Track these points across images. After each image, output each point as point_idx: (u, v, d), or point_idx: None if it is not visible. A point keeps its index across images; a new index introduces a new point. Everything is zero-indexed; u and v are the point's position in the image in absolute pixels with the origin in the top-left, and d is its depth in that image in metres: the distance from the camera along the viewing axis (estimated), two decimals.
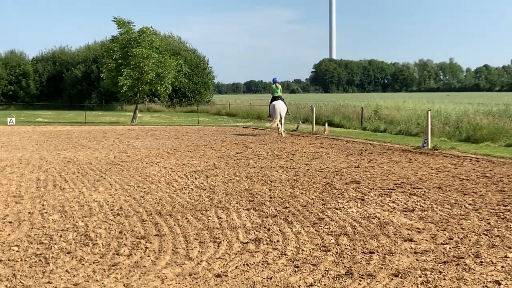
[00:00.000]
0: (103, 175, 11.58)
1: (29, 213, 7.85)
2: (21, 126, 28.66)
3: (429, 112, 17.18)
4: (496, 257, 5.68)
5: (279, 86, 23.79)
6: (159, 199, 8.87)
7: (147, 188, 9.93)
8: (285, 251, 5.91)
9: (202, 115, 43.26)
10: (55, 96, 66.18)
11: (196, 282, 4.99)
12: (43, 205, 8.39)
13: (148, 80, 33.27)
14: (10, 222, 7.26)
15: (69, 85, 64.17)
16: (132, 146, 18.23)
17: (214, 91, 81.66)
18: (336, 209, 8.05)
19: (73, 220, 7.40)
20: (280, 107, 22.89)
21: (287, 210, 8.01)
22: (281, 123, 22.93)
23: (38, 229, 6.95)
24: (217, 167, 12.73)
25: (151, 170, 12.26)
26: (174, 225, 7.14)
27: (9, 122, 29.84)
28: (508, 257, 5.68)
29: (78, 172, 11.93)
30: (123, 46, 33.20)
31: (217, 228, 6.98)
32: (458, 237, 6.49)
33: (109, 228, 6.99)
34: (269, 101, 24.12)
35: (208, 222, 7.30)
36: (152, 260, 5.62)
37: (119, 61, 33.29)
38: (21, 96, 65.40)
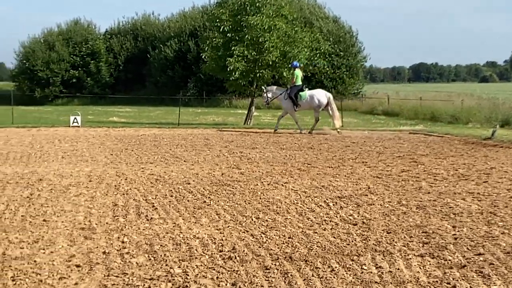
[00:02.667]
0: (207, 200, 11.90)
1: (103, 253, 8.26)
2: (89, 128, 30.20)
3: None
4: None
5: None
6: (289, 237, 8.98)
7: (270, 221, 10.08)
8: None
9: (348, 113, 43.27)
10: (136, 86, 68.66)
11: None
12: (123, 242, 8.80)
13: (270, 63, 33.72)
14: (78, 266, 7.67)
15: (156, 69, 66.41)
16: (246, 158, 18.63)
17: (366, 79, 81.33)
18: None
19: (166, 265, 7.69)
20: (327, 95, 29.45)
21: (481, 258, 7.84)
22: (332, 117, 28.88)
23: (116, 276, 7.29)
24: (373, 192, 12.66)
25: (276, 195, 12.42)
26: (312, 276, 7.20)
27: (73, 122, 31.39)
28: None
29: (171, 196, 12.36)
30: (235, 13, 33.91)
31: (376, 282, 6.96)
32: None
33: (217, 278, 7.19)
34: (286, 92, 29.27)
35: (362, 273, 7.29)
36: None
37: (228, 34, 34.03)
38: (88, 85, 68.25)
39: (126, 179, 14.46)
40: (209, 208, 11.13)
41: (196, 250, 8.37)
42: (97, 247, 8.53)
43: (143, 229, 9.54)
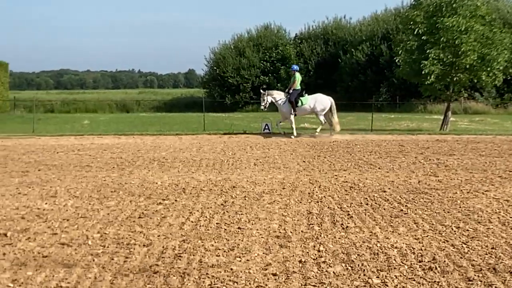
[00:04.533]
0: (404, 208, 11.83)
1: (300, 262, 8.36)
2: (280, 136, 30.66)
3: None
4: None
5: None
6: (492, 248, 8.83)
7: (471, 231, 9.91)
8: None
9: None
10: (327, 91, 69.10)
11: None
12: (319, 250, 8.88)
13: (467, 66, 33.10)
14: (274, 275, 7.81)
15: (346, 74, 66.55)
16: (444, 165, 18.36)
17: None
18: None
19: (364, 275, 7.70)
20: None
21: None
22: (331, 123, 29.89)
23: (314, 286, 7.36)
24: None
25: (476, 203, 12.21)
26: None
27: (264, 129, 32.08)
28: None
29: (367, 204, 12.38)
30: (430, 14, 33.47)
31: None
32: None
33: None
34: (284, 97, 30.10)
35: None
36: None
37: (422, 37, 33.67)
38: (278, 90, 69.60)
39: (319, 187, 14.59)
40: (406, 217, 11.06)
41: (394, 260, 8.32)
42: (293, 255, 8.64)
43: (339, 238, 9.58)
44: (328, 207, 12.07)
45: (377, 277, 7.60)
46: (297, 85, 29.99)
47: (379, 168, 17.83)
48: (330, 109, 30.01)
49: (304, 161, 19.72)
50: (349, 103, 56.39)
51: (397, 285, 7.31)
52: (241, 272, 7.87)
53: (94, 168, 18.07)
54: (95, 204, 12.43)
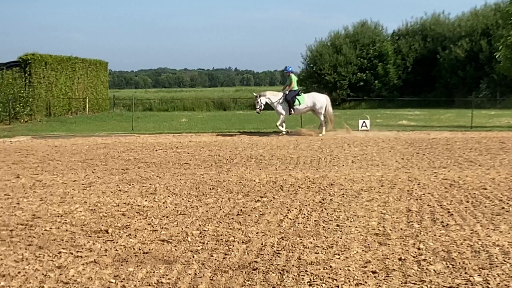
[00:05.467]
0: (505, 206, 11.65)
1: (399, 259, 8.31)
2: (378, 132, 30.36)
3: None
4: None
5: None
6: None
7: None
8: None
9: None
10: (425, 88, 68.18)
11: None
12: (419, 248, 8.81)
13: None
14: (374, 272, 7.78)
15: (445, 70, 65.55)
16: None
17: None
18: None
19: (465, 273, 7.62)
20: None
21: None
22: (326, 121, 29.85)
23: (414, 283, 7.32)
24: None
25: None
26: None
27: (361, 126, 31.88)
28: None
29: (467, 201, 12.22)
30: None
31: None
32: None
33: None
34: (283, 97, 29.82)
35: None
36: None
37: None
38: (376, 88, 68.82)
39: (418, 184, 14.45)
40: (508, 215, 10.90)
41: (496, 258, 8.20)
42: (393, 253, 8.60)
43: (439, 236, 9.49)
44: (427, 205, 11.96)
45: (479, 275, 7.51)
46: (295, 86, 30.13)
47: (479, 166, 17.54)
48: (326, 107, 30.15)
49: (402, 159, 19.55)
50: (448, 100, 55.60)
51: (499, 283, 7.20)
52: (340, 269, 7.87)
53: (193, 166, 18.31)
54: (194, 201, 12.61)
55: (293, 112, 29.92)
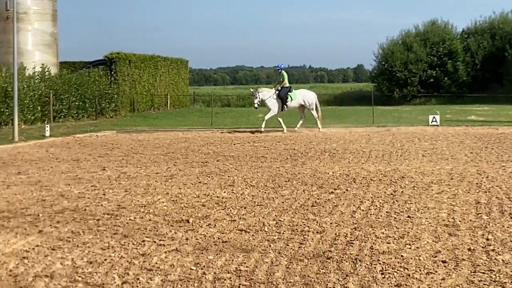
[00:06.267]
0: None
1: (468, 250, 8.20)
2: (448, 127, 30.00)
3: None
4: None
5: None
6: None
7: None
8: None
9: None
10: (493, 84, 67.08)
11: None
12: (487, 239, 8.69)
13: None
14: (444, 262, 7.68)
15: None
16: None
17: None
18: None
19: None
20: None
21: None
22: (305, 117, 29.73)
23: (483, 273, 7.21)
24: None
25: None
26: None
27: (432, 121, 31.53)
28: None
29: None
30: None
31: None
32: None
33: None
34: (275, 93, 29.26)
35: None
36: None
37: None
38: (446, 84, 67.97)
39: (487, 177, 14.22)
40: None
41: None
42: (462, 243, 8.49)
43: (508, 227, 9.37)
44: (496, 197, 11.78)
45: None
46: (287, 83, 29.55)
47: None
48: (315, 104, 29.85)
49: (471, 152, 19.24)
50: None
51: None
52: (411, 258, 7.79)
53: (269, 159, 18.36)
54: (270, 193, 12.64)
55: (286, 108, 29.39)
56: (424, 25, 72.93)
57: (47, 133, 27.59)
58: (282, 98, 29.09)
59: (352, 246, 8.40)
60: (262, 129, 28.90)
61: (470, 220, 9.89)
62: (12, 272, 7.34)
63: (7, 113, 32.75)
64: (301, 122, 29.77)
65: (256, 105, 30.05)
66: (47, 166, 17.24)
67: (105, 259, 7.89)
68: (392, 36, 75.47)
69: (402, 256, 7.91)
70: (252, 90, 31.95)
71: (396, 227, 9.52)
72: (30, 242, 8.75)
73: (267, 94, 29.58)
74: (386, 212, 10.65)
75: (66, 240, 8.88)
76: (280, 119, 29.34)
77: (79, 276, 7.17)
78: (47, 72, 39.13)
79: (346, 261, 7.68)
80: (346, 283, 6.85)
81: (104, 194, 12.69)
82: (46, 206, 11.43)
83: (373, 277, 7.10)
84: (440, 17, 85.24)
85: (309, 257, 7.89)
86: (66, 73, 41.81)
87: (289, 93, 29.30)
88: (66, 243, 8.69)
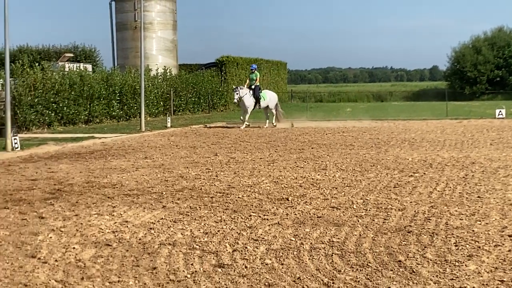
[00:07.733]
0: None
1: None
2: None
3: None
4: None
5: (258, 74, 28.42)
6: None
7: None
8: None
9: None
10: None
11: None
12: None
13: None
14: (510, 236, 7.47)
15: None
16: None
17: None
18: None
19: None
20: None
21: None
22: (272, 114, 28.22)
23: None
24: None
25: None
26: None
27: (498, 114, 30.76)
28: None
29: None
30: None
31: None
32: None
33: None
34: (250, 92, 27.61)
35: None
36: None
37: None
38: (510, 82, 66.27)
39: None
40: None
41: None
42: None
43: None
44: None
45: None
46: (258, 82, 28.14)
47: None
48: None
49: None
50: None
51: None
52: (481, 233, 7.61)
53: (356, 147, 18.21)
54: (358, 176, 12.55)
55: (258, 107, 28.00)
56: (492, 31, 71.40)
57: (168, 124, 28.13)
58: (257, 98, 27.81)
59: (429, 222, 8.26)
60: (243, 127, 27.27)
61: None
62: (141, 240, 7.53)
63: (135, 108, 33.56)
64: (268, 121, 28.45)
65: (236, 100, 28.42)
66: (168, 152, 17.58)
67: (218, 231, 7.99)
68: (463, 40, 73.90)
69: (473, 230, 7.74)
70: (234, 86, 31.41)
71: (468, 205, 9.31)
72: (156, 216, 8.93)
73: (245, 92, 27.88)
74: (459, 193, 10.43)
75: (185, 214, 9.03)
76: (247, 116, 28.00)
77: (196, 245, 7.29)
78: (168, 73, 39.86)
79: (424, 235, 7.57)
80: (424, 253, 6.75)
81: (216, 176, 12.84)
82: (169, 186, 11.65)
83: (448, 248, 6.97)
84: (506, 24, 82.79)
85: (392, 231, 7.81)
86: (184, 73, 42.66)
87: (261, 93, 27.94)
88: (186, 217, 8.84)
